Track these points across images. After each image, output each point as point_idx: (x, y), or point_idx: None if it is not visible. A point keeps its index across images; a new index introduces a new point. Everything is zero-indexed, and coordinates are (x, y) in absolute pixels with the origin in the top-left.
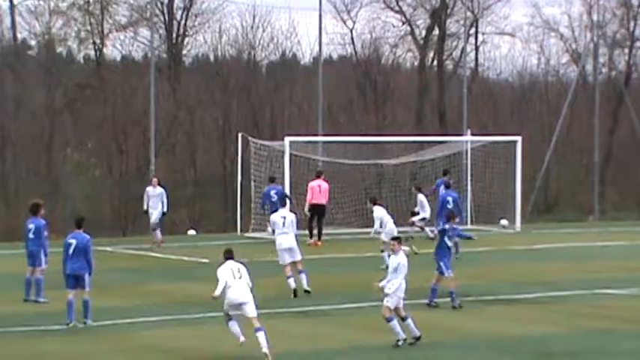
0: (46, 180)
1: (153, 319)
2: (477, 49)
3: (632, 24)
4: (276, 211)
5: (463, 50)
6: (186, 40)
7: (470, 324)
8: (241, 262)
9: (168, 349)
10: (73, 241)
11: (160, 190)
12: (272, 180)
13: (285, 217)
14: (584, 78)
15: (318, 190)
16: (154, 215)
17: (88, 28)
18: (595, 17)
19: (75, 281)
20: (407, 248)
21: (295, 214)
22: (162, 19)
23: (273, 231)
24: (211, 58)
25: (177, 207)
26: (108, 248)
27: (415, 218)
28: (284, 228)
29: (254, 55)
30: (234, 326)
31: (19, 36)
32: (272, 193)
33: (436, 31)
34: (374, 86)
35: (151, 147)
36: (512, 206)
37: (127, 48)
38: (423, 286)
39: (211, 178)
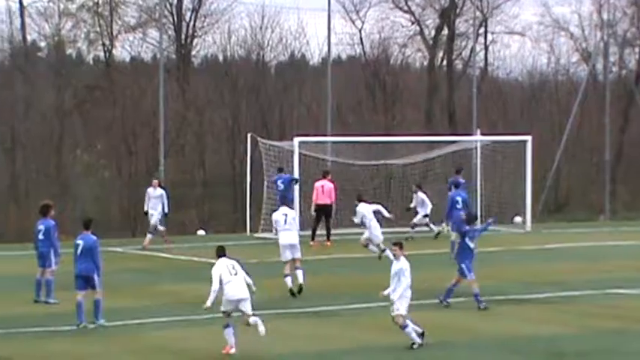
0: (56, 181)
1: (163, 320)
2: (486, 48)
3: None
4: (284, 198)
5: (472, 50)
6: (195, 40)
7: (480, 324)
8: (235, 259)
9: (177, 349)
10: (81, 242)
11: (160, 191)
12: (280, 170)
13: (286, 215)
14: (595, 77)
15: (322, 191)
16: (154, 217)
17: (98, 29)
18: (605, 16)
19: (84, 282)
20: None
21: (294, 210)
22: (171, 20)
23: (276, 230)
24: (220, 58)
25: (187, 207)
26: (118, 249)
27: (416, 219)
28: (286, 225)
29: (263, 56)
30: (229, 334)
31: (28, 38)
32: (279, 182)
33: (445, 31)
34: (383, 86)
35: (161, 148)
36: (522, 206)
37: (136, 49)
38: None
39: (220, 178)
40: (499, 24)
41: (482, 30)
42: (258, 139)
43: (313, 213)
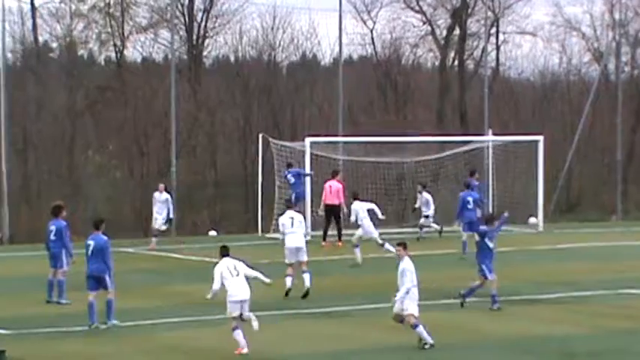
0: (68, 182)
1: (174, 320)
2: (497, 48)
3: None
4: (299, 192)
5: (484, 50)
6: (207, 41)
7: (492, 324)
8: (238, 259)
9: (189, 349)
10: (91, 243)
11: (166, 195)
12: (289, 165)
13: (293, 218)
14: (607, 77)
15: (329, 191)
16: (158, 221)
17: (109, 30)
18: (617, 16)
19: (95, 282)
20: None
21: (301, 213)
22: (182, 20)
23: (283, 233)
24: (232, 59)
25: (198, 208)
26: (129, 249)
27: (422, 220)
28: (292, 228)
29: (274, 56)
30: (239, 335)
31: (40, 39)
32: (289, 176)
33: (457, 31)
34: (394, 86)
35: (172, 148)
36: (534, 206)
37: (147, 50)
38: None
39: (232, 179)
40: (511, 24)
41: (493, 30)
42: (270, 139)
43: (321, 213)
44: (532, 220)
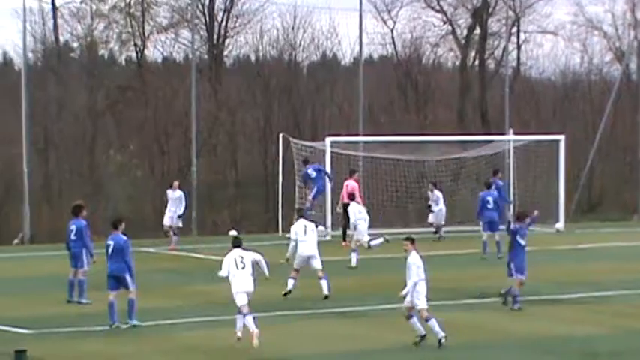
0: (89, 181)
1: (195, 320)
2: (518, 47)
3: None
4: (319, 188)
5: (505, 49)
6: (227, 41)
7: (513, 324)
8: (247, 250)
9: (209, 349)
10: (111, 243)
11: (179, 193)
12: (306, 162)
13: (306, 226)
14: (628, 76)
15: (346, 190)
16: (174, 219)
17: (130, 30)
18: (638, 15)
19: (116, 282)
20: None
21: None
22: (203, 20)
23: (295, 240)
24: (252, 58)
25: (219, 208)
26: (150, 249)
27: (431, 220)
28: (305, 236)
29: (295, 56)
30: (239, 321)
31: (61, 39)
32: (309, 171)
33: (477, 31)
34: (415, 86)
35: (193, 148)
36: (555, 206)
37: (168, 49)
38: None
39: (252, 178)
40: (531, 23)
41: (514, 29)
42: (290, 139)
43: (339, 211)
44: (559, 225)
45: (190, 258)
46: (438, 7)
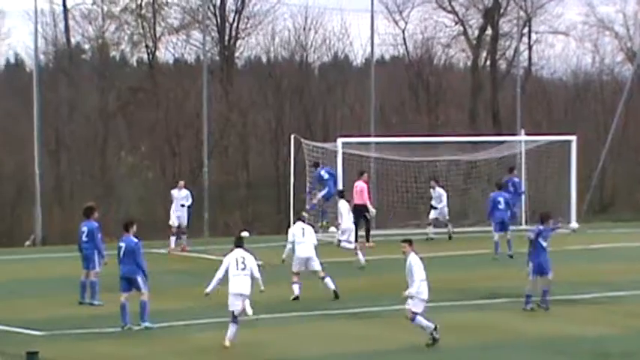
0: (100, 183)
1: (207, 322)
2: (530, 48)
3: None
4: (331, 189)
5: (516, 50)
6: (239, 42)
7: (525, 324)
8: (249, 251)
9: (221, 351)
10: (123, 245)
11: (185, 192)
12: (317, 165)
13: (304, 229)
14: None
15: (354, 191)
16: (181, 218)
17: (141, 31)
18: None
19: (127, 284)
20: (361, 258)
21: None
22: (214, 21)
23: (292, 242)
24: (264, 60)
25: (231, 209)
26: (162, 250)
27: (437, 216)
28: (303, 238)
29: (306, 57)
30: (232, 328)
31: (72, 40)
32: (323, 172)
33: (489, 31)
34: (426, 86)
35: (204, 149)
36: (567, 206)
37: (179, 51)
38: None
39: (264, 180)
40: (543, 24)
41: (526, 30)
42: (302, 140)
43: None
44: (573, 224)
45: (202, 259)
46: (449, 8)
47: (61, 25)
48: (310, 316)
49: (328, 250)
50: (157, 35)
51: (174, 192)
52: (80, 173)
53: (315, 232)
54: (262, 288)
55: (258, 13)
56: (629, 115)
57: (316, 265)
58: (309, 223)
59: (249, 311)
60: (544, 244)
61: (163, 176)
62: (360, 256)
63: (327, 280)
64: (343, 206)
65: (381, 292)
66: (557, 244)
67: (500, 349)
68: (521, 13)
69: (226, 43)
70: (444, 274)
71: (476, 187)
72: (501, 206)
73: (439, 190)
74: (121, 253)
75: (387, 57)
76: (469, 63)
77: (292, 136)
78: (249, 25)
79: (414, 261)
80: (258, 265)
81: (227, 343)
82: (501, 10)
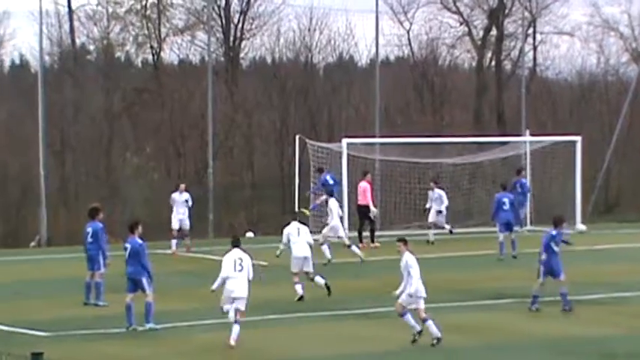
0: (105, 184)
1: (211, 322)
2: (535, 48)
3: None
4: (332, 195)
5: (521, 50)
6: (244, 43)
7: (530, 325)
8: (245, 251)
9: (227, 351)
10: (128, 246)
11: (186, 195)
12: (321, 170)
13: (299, 229)
14: None
15: (359, 192)
16: (184, 221)
17: (146, 32)
18: None
19: (133, 285)
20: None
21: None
22: (219, 22)
23: (287, 242)
24: (269, 60)
25: (236, 210)
26: (168, 251)
27: (434, 218)
28: (298, 237)
29: (311, 58)
30: (235, 328)
31: (77, 41)
32: (328, 177)
33: (494, 32)
34: (431, 87)
35: (209, 150)
36: (572, 207)
37: (184, 52)
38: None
39: (269, 180)
40: (548, 24)
41: (530, 30)
42: (307, 140)
43: (374, 211)
44: (580, 226)
45: (207, 260)
46: (454, 9)
47: (66, 26)
48: (317, 316)
49: (335, 252)
50: (162, 36)
51: (175, 195)
52: (85, 174)
53: (312, 232)
54: (251, 278)
55: (263, 14)
56: (634, 116)
57: (310, 266)
58: (302, 222)
59: (231, 315)
60: (556, 248)
61: (168, 177)
62: (327, 252)
63: (317, 278)
64: (333, 205)
65: (387, 293)
66: (561, 245)
67: (506, 349)
68: (526, 13)
69: (231, 43)
70: (450, 275)
71: (481, 188)
72: (506, 207)
73: (438, 192)
74: (127, 254)
75: (391, 57)
76: (474, 63)
77: (297, 137)
78: (254, 26)
79: (410, 260)
80: (263, 267)
81: (232, 342)
82: (506, 11)
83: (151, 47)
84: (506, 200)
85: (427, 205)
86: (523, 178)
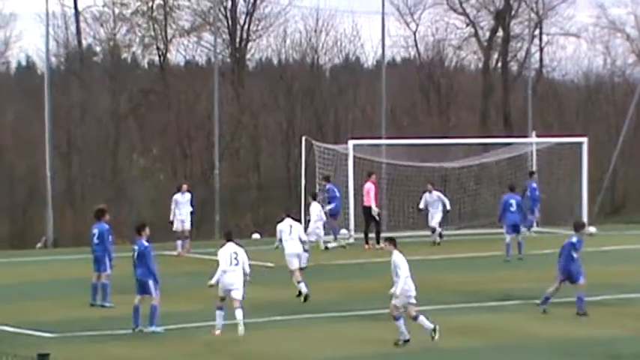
0: (112, 185)
1: (217, 323)
2: (541, 50)
3: None
4: (338, 208)
5: (528, 51)
6: (250, 44)
7: (536, 326)
8: (239, 245)
9: (233, 352)
10: (135, 248)
11: (188, 196)
12: (328, 179)
13: (292, 226)
14: None
15: (364, 193)
16: (186, 222)
17: (152, 33)
18: None
19: (141, 287)
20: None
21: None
22: (225, 23)
23: (280, 240)
24: (275, 62)
25: (242, 211)
26: (174, 252)
27: (434, 224)
28: (291, 235)
29: (317, 59)
30: (219, 317)
31: (84, 42)
32: (335, 188)
33: (500, 33)
34: (437, 88)
35: (215, 151)
36: (578, 208)
37: (190, 53)
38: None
39: (275, 181)
40: (554, 25)
41: (537, 32)
42: (313, 142)
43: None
44: (591, 229)
45: (213, 261)
46: (460, 10)
47: (73, 28)
48: (322, 318)
49: (341, 254)
50: (168, 37)
51: (178, 196)
52: (91, 175)
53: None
54: (249, 278)
55: (269, 15)
56: None
57: (304, 262)
58: (296, 220)
59: (241, 331)
60: (575, 255)
61: (175, 178)
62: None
63: (302, 285)
64: (314, 209)
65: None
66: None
67: (513, 351)
68: (533, 15)
69: (237, 45)
70: (456, 276)
71: (487, 189)
72: (513, 209)
73: (436, 194)
74: (135, 256)
75: (398, 59)
76: (480, 65)
77: (303, 138)
78: (260, 27)
79: (398, 259)
80: (268, 267)
81: (217, 332)
82: (512, 12)
83: (158, 48)
84: (513, 202)
85: (421, 206)
86: (534, 182)
